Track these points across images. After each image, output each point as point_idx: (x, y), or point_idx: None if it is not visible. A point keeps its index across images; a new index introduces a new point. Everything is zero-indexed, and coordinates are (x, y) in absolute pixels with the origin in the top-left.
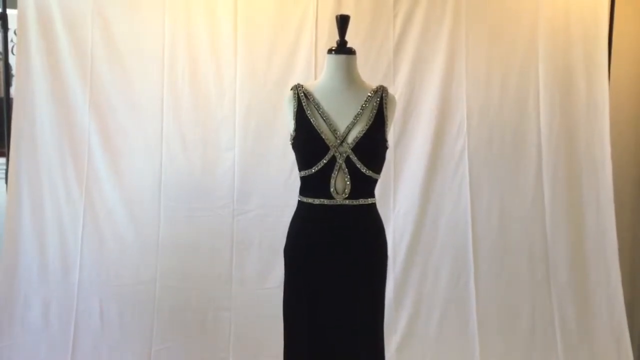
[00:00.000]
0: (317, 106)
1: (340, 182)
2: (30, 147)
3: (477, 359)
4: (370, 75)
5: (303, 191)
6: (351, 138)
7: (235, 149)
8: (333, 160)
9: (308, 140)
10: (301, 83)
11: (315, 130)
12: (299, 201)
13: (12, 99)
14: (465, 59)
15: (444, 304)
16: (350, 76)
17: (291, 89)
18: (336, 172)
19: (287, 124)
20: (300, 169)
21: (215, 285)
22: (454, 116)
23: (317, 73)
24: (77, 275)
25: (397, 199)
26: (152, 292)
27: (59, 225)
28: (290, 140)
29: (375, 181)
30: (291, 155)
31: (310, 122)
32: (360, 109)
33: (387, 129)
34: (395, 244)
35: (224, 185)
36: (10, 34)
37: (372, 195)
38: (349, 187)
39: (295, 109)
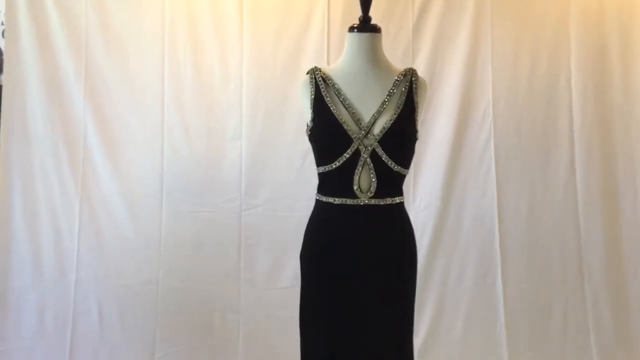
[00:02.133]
0: (338, 92)
1: (365, 179)
2: (22, 137)
3: None
4: None
5: (322, 189)
6: (378, 128)
7: (242, 138)
8: (357, 154)
9: (328, 132)
10: (318, 66)
11: (336, 120)
12: (317, 200)
13: (1, 86)
14: (490, 39)
15: (469, 305)
16: (375, 57)
17: (307, 73)
18: (360, 168)
19: (303, 113)
20: (318, 164)
21: (222, 285)
22: (478, 102)
23: (330, 55)
24: (73, 275)
25: (417, 192)
26: (154, 293)
27: (54, 222)
28: (307, 132)
29: (404, 177)
30: (303, 144)
31: (330, 110)
32: (388, 95)
33: (418, 118)
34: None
35: (231, 178)
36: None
37: (400, 194)
38: (375, 184)
39: (312, 96)
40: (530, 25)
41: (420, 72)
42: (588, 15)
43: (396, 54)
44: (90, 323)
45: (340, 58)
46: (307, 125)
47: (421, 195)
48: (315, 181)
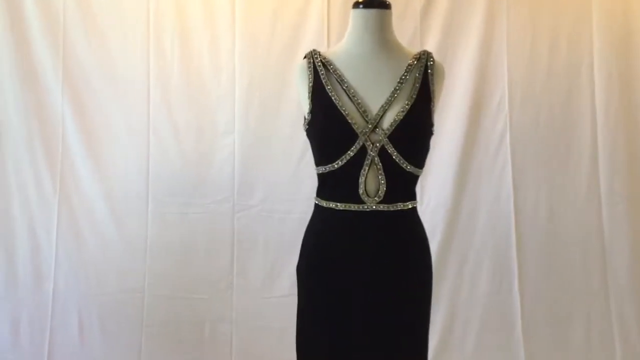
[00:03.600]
0: (341, 79)
1: (372, 182)
2: None
3: None
4: None
5: (322, 192)
6: (387, 122)
7: (234, 133)
8: (363, 151)
9: (329, 126)
10: (318, 49)
11: (339, 112)
12: (316, 205)
13: None
14: (506, 23)
15: (483, 313)
16: (384, 38)
17: (305, 57)
18: (367, 168)
19: (300, 104)
20: (317, 164)
21: (213, 293)
22: (493, 91)
23: (331, 39)
24: (51, 283)
25: (425, 191)
26: (139, 302)
27: (29, 224)
28: (304, 126)
29: (417, 178)
30: (302, 139)
31: (332, 100)
32: (399, 83)
33: (434, 109)
34: None
35: (223, 177)
36: None
37: (413, 197)
38: (384, 187)
39: (310, 84)
40: (549, 8)
41: None
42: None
43: (402, 39)
44: (69, 336)
45: (343, 39)
46: (305, 118)
47: (430, 194)
48: (315, 179)
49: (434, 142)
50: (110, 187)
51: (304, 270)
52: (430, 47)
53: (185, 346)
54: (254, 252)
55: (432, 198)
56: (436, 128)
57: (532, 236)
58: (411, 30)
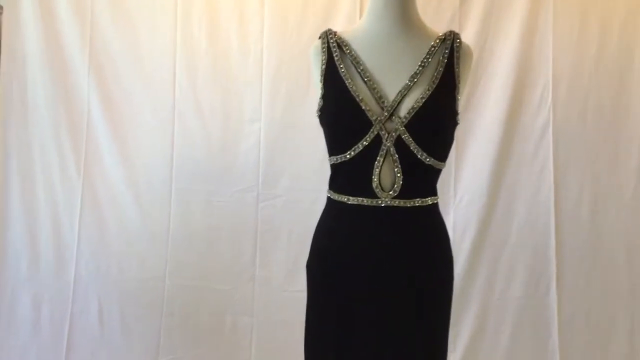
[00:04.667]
0: (356, 61)
1: (387, 174)
2: (20, 116)
3: None
4: None
5: (333, 184)
6: (405, 109)
7: (261, 120)
8: (377, 141)
9: (340, 112)
10: (334, 29)
11: (352, 97)
12: (328, 198)
13: None
14: (552, 7)
15: (518, 316)
16: (405, 16)
17: (320, 37)
18: (381, 159)
19: (316, 88)
20: (330, 153)
21: (235, 284)
22: (535, 81)
23: None
24: (73, 269)
25: (458, 186)
26: (160, 291)
27: (53, 210)
28: (317, 112)
29: (439, 172)
30: None
31: (345, 84)
32: (420, 66)
33: (459, 96)
34: (455, 242)
35: (248, 165)
36: None
37: (433, 193)
38: (401, 181)
39: (323, 66)
40: None
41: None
42: None
43: (440, 25)
44: (89, 322)
45: (362, 18)
46: (318, 104)
47: (463, 189)
48: None
49: (471, 134)
50: (134, 172)
51: (313, 267)
52: (469, 33)
53: (204, 338)
54: (277, 244)
55: (465, 194)
56: (473, 120)
57: (573, 236)
58: (449, 14)
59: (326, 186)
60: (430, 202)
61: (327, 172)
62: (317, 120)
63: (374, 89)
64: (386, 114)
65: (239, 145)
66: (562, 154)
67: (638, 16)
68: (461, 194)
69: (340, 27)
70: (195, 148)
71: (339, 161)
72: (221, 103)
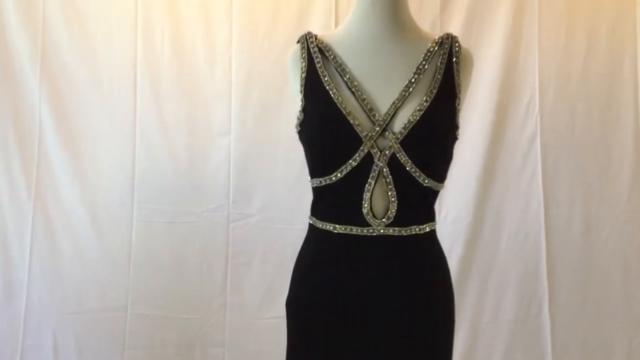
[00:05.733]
0: (341, 69)
1: (379, 199)
2: None
3: None
4: None
5: (317, 210)
6: (399, 123)
7: (231, 133)
8: (368, 161)
9: (324, 128)
10: (314, 33)
11: (337, 110)
12: (310, 226)
13: None
14: (537, 12)
15: (509, 341)
16: (397, 17)
17: (298, 42)
18: (373, 182)
19: (294, 99)
20: (312, 175)
21: (204, 312)
22: (521, 90)
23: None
24: (23, 300)
25: (443, 201)
26: (122, 323)
27: (0, 234)
28: (296, 127)
29: (437, 194)
30: None
31: (329, 95)
32: (416, 73)
33: (459, 107)
34: None
35: (217, 182)
36: None
37: (432, 219)
38: (395, 206)
39: (303, 75)
40: None
41: None
42: None
43: None
44: (42, 359)
45: (346, 20)
46: (297, 118)
47: (449, 205)
48: None
49: (455, 146)
50: (91, 193)
51: (295, 306)
52: None
53: None
54: (251, 267)
55: (451, 210)
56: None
57: (565, 253)
58: (430, 18)
59: (304, 204)
60: (428, 229)
61: (305, 189)
62: (293, 132)
63: (363, 100)
64: (378, 129)
65: (207, 161)
66: (550, 166)
67: (627, 20)
68: (446, 210)
69: (315, 31)
70: (159, 165)
71: (323, 184)
72: (187, 115)
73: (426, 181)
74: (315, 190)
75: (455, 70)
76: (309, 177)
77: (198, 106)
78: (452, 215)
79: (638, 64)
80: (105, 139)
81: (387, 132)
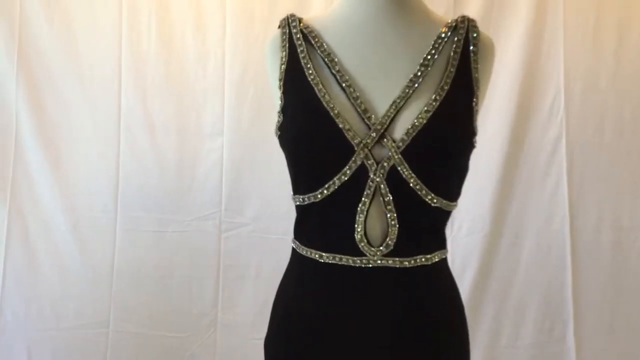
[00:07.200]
0: (330, 59)
1: (376, 222)
2: None
3: None
4: None
5: (300, 234)
6: (401, 128)
7: (224, 134)
8: (362, 174)
9: (308, 133)
10: (298, 15)
11: (324, 111)
12: (293, 251)
13: None
14: (562, 4)
15: None
16: None
17: (279, 27)
18: (368, 201)
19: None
20: (294, 191)
21: (193, 331)
22: (545, 88)
23: None
24: None
25: (456, 212)
26: (103, 340)
27: None
28: (276, 131)
29: (448, 215)
30: None
31: (314, 92)
32: (423, 66)
33: (477, 107)
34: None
35: (208, 188)
36: None
37: (442, 245)
38: (396, 232)
39: (283, 66)
40: None
41: None
42: None
43: None
44: None
45: (336, 1)
46: (277, 121)
47: (462, 216)
48: None
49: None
50: (71, 199)
51: (273, 349)
52: None
53: None
54: (244, 282)
55: (465, 222)
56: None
57: (593, 272)
58: (443, 7)
59: None
60: (438, 259)
61: None
62: None
63: (356, 98)
64: (374, 135)
65: (197, 165)
66: (576, 173)
67: None
68: (460, 222)
69: None
70: (145, 168)
71: (307, 202)
72: (176, 115)
73: (434, 200)
74: (299, 209)
75: (472, 61)
76: (292, 194)
77: (188, 104)
78: (466, 227)
79: None
80: (87, 141)
81: (385, 139)
